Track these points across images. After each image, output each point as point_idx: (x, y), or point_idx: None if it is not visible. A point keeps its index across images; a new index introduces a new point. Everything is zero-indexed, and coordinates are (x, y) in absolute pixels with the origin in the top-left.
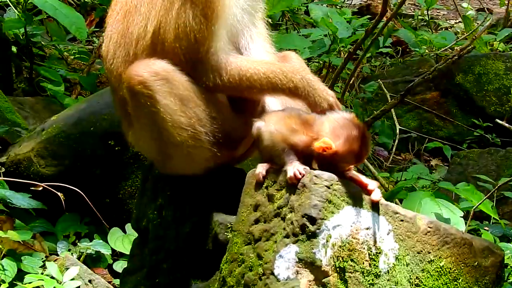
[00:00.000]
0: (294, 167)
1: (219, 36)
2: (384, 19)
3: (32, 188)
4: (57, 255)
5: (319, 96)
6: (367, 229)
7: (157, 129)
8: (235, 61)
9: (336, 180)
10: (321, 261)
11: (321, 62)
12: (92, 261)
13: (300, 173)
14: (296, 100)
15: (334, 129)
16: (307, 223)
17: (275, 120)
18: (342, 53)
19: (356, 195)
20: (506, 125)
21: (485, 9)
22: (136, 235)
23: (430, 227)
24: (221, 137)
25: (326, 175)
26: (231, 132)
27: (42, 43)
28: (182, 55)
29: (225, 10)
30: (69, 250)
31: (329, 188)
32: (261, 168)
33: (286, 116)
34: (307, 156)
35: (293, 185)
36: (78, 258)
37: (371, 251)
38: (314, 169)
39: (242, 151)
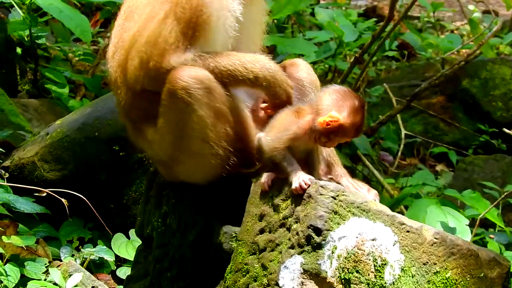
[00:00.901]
0: (299, 178)
1: (190, 53)
2: (391, 23)
3: (36, 194)
4: (60, 260)
5: (280, 87)
6: (372, 240)
7: (182, 135)
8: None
9: (342, 190)
10: (326, 272)
11: (326, 66)
12: (96, 267)
13: (305, 184)
14: (259, 91)
15: (336, 101)
16: (313, 234)
17: (270, 127)
18: (348, 57)
19: (362, 205)
20: None
21: (492, 11)
22: (140, 241)
23: (437, 238)
24: (240, 156)
25: (332, 185)
26: (251, 153)
27: (47, 44)
28: (145, 60)
29: (208, 35)
30: (72, 255)
31: (335, 198)
32: (267, 178)
33: (276, 119)
34: (310, 141)
35: (298, 196)
36: (82, 264)
37: (377, 263)
38: (320, 179)
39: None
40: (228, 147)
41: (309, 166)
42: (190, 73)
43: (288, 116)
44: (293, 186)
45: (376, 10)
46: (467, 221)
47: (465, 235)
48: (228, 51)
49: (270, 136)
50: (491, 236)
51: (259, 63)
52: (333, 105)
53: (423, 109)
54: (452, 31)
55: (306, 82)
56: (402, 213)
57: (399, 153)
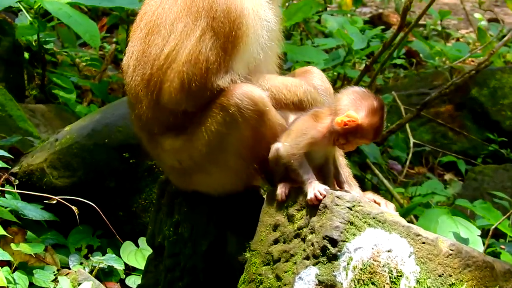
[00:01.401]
0: (314, 188)
1: (234, 71)
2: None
3: (46, 201)
4: (69, 268)
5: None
6: (388, 251)
7: (219, 147)
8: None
9: (358, 201)
10: (341, 284)
11: (335, 73)
12: (104, 275)
13: (321, 194)
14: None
15: (354, 101)
16: (328, 245)
17: (286, 135)
18: (357, 65)
19: (378, 216)
20: None
21: (500, 20)
22: (150, 249)
23: (452, 250)
24: (265, 176)
25: (348, 196)
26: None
27: (55, 49)
28: (185, 81)
29: (247, 47)
30: (81, 263)
31: (351, 209)
32: (283, 188)
33: (293, 125)
34: (329, 144)
35: (314, 206)
36: (90, 272)
37: (392, 274)
38: (335, 190)
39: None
40: (260, 167)
41: (324, 175)
42: (246, 92)
43: (306, 121)
44: (309, 197)
45: (382, 17)
46: (479, 232)
47: (477, 246)
48: (261, 62)
49: (288, 142)
50: (502, 246)
51: (302, 86)
52: (351, 105)
53: (432, 118)
54: (457, 39)
55: (320, 89)
56: (412, 223)
57: (408, 162)
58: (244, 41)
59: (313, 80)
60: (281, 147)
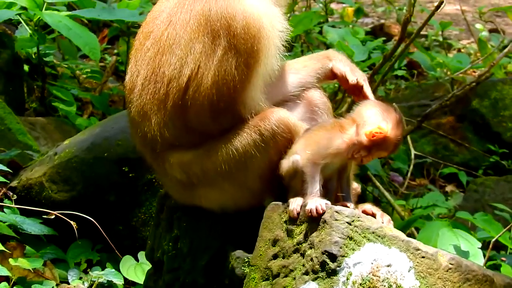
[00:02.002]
0: (316, 201)
1: (257, 86)
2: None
3: (45, 216)
4: (68, 283)
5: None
6: (388, 266)
7: (241, 165)
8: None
9: (358, 215)
10: None
11: (336, 85)
12: None
13: (322, 209)
14: None
15: (382, 113)
16: (327, 260)
17: (303, 146)
18: None
19: (377, 231)
20: None
21: (501, 31)
22: (149, 264)
23: (452, 264)
24: (275, 195)
25: (347, 211)
26: None
27: (55, 61)
28: (215, 102)
29: (267, 60)
30: (80, 278)
31: (350, 224)
32: (295, 204)
33: (314, 134)
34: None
35: (313, 221)
36: (90, 287)
37: None
38: (335, 204)
39: None
40: (276, 189)
41: (327, 189)
42: (283, 118)
43: (330, 131)
44: (308, 207)
45: (384, 28)
46: (479, 244)
47: (477, 258)
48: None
49: (310, 151)
50: (503, 259)
51: None
52: (379, 117)
53: (433, 130)
54: (459, 50)
55: (319, 103)
56: (413, 236)
57: (409, 174)
58: (264, 54)
59: (311, 93)
60: (300, 158)
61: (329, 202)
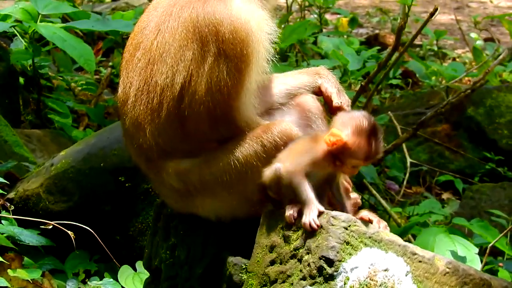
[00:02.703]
0: (310, 214)
1: (250, 90)
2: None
3: (42, 226)
4: None
5: None
6: (385, 270)
7: (241, 176)
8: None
9: (354, 221)
10: None
11: None
12: None
13: (316, 225)
14: None
15: (342, 120)
16: (325, 265)
17: (286, 155)
18: (352, 85)
19: (374, 236)
20: None
21: (496, 39)
22: (147, 273)
23: (449, 268)
24: (273, 203)
25: (343, 216)
26: None
27: (50, 74)
28: (212, 109)
29: (257, 63)
30: None
31: (346, 229)
32: (292, 210)
33: (293, 145)
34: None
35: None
36: None
37: None
38: (332, 210)
39: None
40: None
41: (319, 196)
42: (285, 130)
43: (306, 142)
44: (302, 221)
45: (378, 38)
46: (477, 250)
47: (475, 264)
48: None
49: (289, 161)
50: (500, 264)
51: None
52: (339, 124)
53: (429, 138)
54: (454, 59)
55: (314, 110)
56: (410, 242)
57: (405, 182)
58: (255, 57)
59: (306, 101)
60: (281, 166)
61: (323, 209)
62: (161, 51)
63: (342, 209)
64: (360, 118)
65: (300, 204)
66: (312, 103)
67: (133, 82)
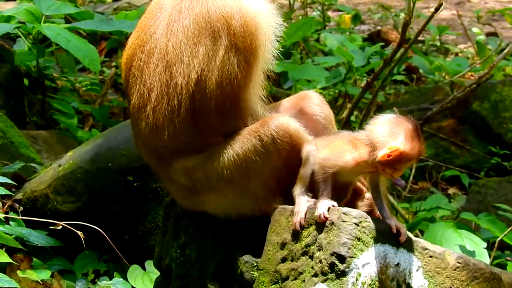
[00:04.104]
0: (323, 206)
1: (257, 82)
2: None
3: (52, 227)
4: None
5: None
6: (396, 266)
7: (244, 172)
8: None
9: (365, 217)
10: None
11: (336, 91)
12: None
13: (324, 216)
14: None
15: (391, 129)
16: (336, 262)
17: (324, 144)
18: (357, 82)
19: (385, 232)
20: None
21: (499, 34)
22: (157, 272)
23: (459, 263)
24: (283, 199)
25: (354, 212)
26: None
27: (54, 74)
28: (221, 102)
29: (264, 56)
30: None
31: (357, 225)
32: (323, 208)
33: (331, 141)
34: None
35: (321, 223)
36: None
37: None
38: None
39: None
40: (280, 196)
41: (337, 198)
42: (283, 124)
43: (345, 144)
44: (316, 213)
45: (381, 34)
46: (485, 244)
47: (483, 258)
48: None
49: (322, 154)
50: (508, 258)
51: None
52: (389, 135)
53: (434, 133)
54: (456, 54)
55: (319, 117)
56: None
57: (411, 177)
58: (262, 50)
59: (312, 106)
60: (314, 154)
61: (336, 204)
62: (177, 51)
63: (381, 213)
64: (405, 122)
65: (318, 195)
66: (319, 110)
67: (152, 88)
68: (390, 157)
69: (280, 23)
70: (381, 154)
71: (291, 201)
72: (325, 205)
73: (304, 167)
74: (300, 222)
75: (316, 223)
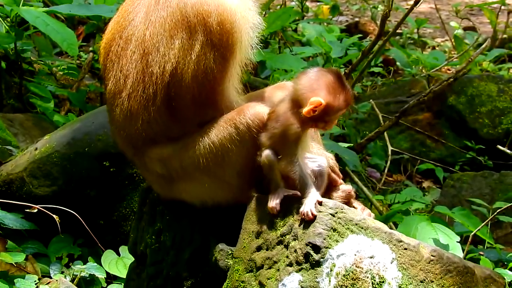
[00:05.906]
0: (310, 203)
1: (234, 76)
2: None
3: (27, 210)
4: (50, 277)
5: None
6: (371, 257)
7: (220, 161)
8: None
9: (341, 207)
10: None
11: None
12: (86, 284)
13: (312, 214)
14: None
15: (309, 85)
16: (311, 252)
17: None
18: None
19: (360, 223)
20: (508, 151)
21: (477, 29)
22: (131, 257)
23: (433, 256)
24: (257, 188)
25: (331, 202)
26: None
27: (32, 58)
28: (197, 95)
29: (241, 51)
30: (62, 272)
31: (333, 216)
32: (275, 201)
33: (274, 130)
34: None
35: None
36: (72, 281)
37: (375, 280)
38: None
39: None
40: (256, 185)
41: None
42: (259, 113)
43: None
44: (303, 209)
45: (359, 26)
46: (458, 238)
47: (457, 252)
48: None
49: (283, 155)
50: (481, 253)
51: None
52: (310, 90)
53: (410, 126)
54: (433, 48)
55: None
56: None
57: (386, 170)
58: (239, 46)
59: None
60: (272, 158)
61: (322, 199)
62: (154, 41)
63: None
64: (325, 74)
65: (302, 190)
66: None
67: (129, 75)
68: (316, 112)
69: (259, 19)
70: (305, 110)
71: (267, 191)
72: (312, 201)
73: (269, 172)
74: (276, 208)
75: (291, 213)
